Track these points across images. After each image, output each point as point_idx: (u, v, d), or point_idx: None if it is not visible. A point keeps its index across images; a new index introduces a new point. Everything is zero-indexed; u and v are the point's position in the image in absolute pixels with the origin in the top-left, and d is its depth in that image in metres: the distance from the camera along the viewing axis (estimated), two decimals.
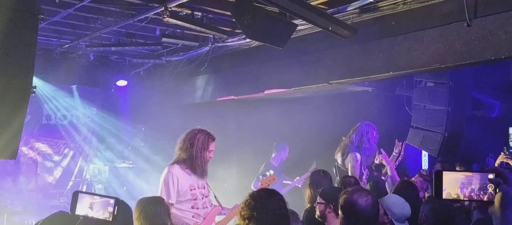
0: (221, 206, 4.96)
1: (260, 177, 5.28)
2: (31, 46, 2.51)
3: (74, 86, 9.43)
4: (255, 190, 3.41)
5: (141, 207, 3.72)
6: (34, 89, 2.57)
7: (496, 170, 1.97)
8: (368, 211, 3.07)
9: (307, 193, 4.98)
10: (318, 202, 4.18)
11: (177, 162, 4.71)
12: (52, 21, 6.23)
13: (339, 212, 3.19)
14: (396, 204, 4.06)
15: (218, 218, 4.92)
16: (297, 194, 8.69)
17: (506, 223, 1.90)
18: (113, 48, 7.70)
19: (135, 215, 3.65)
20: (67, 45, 7.49)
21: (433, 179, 2.02)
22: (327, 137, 8.92)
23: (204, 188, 4.79)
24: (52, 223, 3.07)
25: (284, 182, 8.22)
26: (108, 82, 9.47)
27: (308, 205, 4.87)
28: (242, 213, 3.15)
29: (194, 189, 4.64)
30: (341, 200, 3.18)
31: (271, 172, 5.30)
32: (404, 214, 4.05)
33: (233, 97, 8.75)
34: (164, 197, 4.47)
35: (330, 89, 7.69)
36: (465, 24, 5.26)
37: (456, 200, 2.04)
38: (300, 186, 8.23)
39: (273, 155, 8.61)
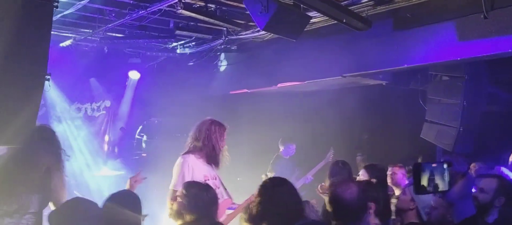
0: (231, 199, 4.97)
1: (263, 176, 5.31)
2: (45, 32, 2.52)
3: (87, 79, 9.48)
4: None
5: (192, 190, 3.62)
6: (49, 77, 2.59)
7: (448, 160, 2.10)
8: (353, 204, 3.01)
9: (327, 183, 4.99)
10: (326, 193, 4.19)
11: (191, 151, 4.72)
12: (67, 13, 6.26)
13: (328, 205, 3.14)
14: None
15: (227, 211, 4.93)
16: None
17: (463, 210, 2.03)
18: (127, 41, 7.72)
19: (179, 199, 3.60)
20: (81, 38, 7.52)
21: (413, 173, 2.09)
22: (340, 131, 8.89)
23: (216, 179, 4.79)
24: (68, 209, 3.07)
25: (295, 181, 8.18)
26: (122, 75, 9.51)
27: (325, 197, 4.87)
28: (256, 203, 3.16)
29: (208, 179, 4.64)
30: (329, 193, 3.15)
31: (272, 173, 5.33)
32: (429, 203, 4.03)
33: (246, 90, 8.74)
34: (178, 186, 4.49)
35: (344, 82, 7.65)
36: (481, 16, 5.19)
37: (430, 193, 2.16)
38: (306, 182, 8.18)
39: (281, 149, 8.60)
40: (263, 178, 5.08)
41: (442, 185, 2.15)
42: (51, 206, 3.87)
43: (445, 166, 2.17)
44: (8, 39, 2.49)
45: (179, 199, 3.57)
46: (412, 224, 4.05)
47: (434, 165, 2.16)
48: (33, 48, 2.51)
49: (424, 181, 2.11)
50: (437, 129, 7.17)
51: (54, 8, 2.58)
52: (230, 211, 4.87)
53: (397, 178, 6.48)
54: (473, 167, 6.46)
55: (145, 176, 4.70)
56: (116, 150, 9.92)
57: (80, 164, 9.21)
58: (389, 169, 6.49)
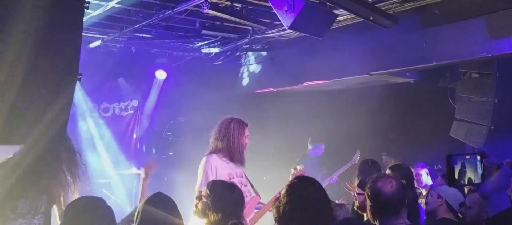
0: (259, 196, 4.97)
1: (292, 170, 5.27)
2: (76, 33, 2.57)
3: (115, 79, 9.62)
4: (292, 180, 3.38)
5: (216, 190, 3.60)
6: (80, 76, 2.63)
7: (481, 151, 2.07)
8: (394, 198, 2.99)
9: (355, 183, 4.92)
10: (357, 193, 4.12)
11: (214, 151, 4.74)
12: (95, 14, 6.36)
13: (367, 200, 3.12)
14: (449, 188, 3.97)
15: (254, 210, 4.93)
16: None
17: (497, 204, 2.00)
18: (154, 41, 7.80)
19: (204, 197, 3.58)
20: (109, 38, 7.63)
21: (446, 165, 2.06)
22: (367, 130, 8.80)
23: (242, 176, 4.80)
24: (78, 207, 3.07)
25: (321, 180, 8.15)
26: (149, 75, 9.62)
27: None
28: (283, 203, 3.13)
29: (233, 177, 4.65)
30: (367, 189, 3.11)
31: (301, 166, 5.27)
32: (457, 195, 3.97)
33: (272, 89, 8.73)
34: (203, 186, 4.51)
35: (371, 80, 7.57)
36: None
37: (463, 185, 2.13)
38: (331, 183, 8.16)
39: (309, 148, 8.58)
40: (292, 172, 5.07)
41: (475, 178, 2.10)
42: (55, 209, 3.89)
43: (478, 157, 2.12)
44: (38, 39, 2.54)
45: (203, 199, 3.56)
46: (444, 219, 3.99)
47: (467, 156, 2.11)
48: (65, 48, 2.56)
49: (457, 173, 2.07)
50: (467, 127, 7.04)
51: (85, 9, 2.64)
52: (257, 210, 4.88)
53: (421, 178, 6.41)
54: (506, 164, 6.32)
55: (156, 163, 4.71)
56: (144, 148, 10.03)
57: (106, 163, 9.34)
58: (412, 170, 6.43)
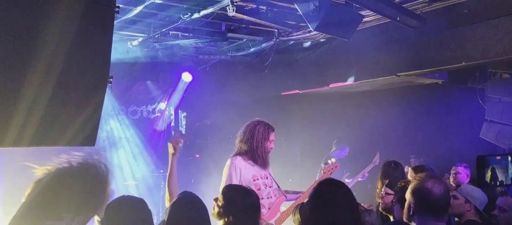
0: (285, 196, 4.96)
1: (322, 165, 5.20)
2: (107, 37, 2.61)
3: (143, 82, 9.76)
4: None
5: (229, 194, 3.53)
6: (111, 79, 2.68)
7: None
8: (441, 201, 2.97)
9: (379, 185, 4.87)
10: (386, 193, 4.08)
11: (239, 153, 4.76)
12: (123, 18, 6.46)
13: (409, 197, 3.08)
14: (475, 189, 3.92)
15: (282, 208, 4.94)
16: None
17: None
18: (180, 44, 7.88)
19: (220, 203, 3.51)
20: (137, 42, 7.73)
21: (476, 167, 2.05)
22: (394, 131, 8.71)
23: (267, 178, 4.80)
24: (116, 208, 3.06)
25: (346, 180, 8.09)
26: (175, 78, 9.73)
27: (378, 200, 4.75)
28: (310, 206, 3.11)
29: (257, 179, 4.66)
30: (413, 186, 3.07)
31: (333, 159, 5.23)
32: (485, 198, 3.91)
33: (298, 91, 8.72)
34: None
35: (398, 82, 7.48)
36: None
37: (493, 187, 2.11)
38: (361, 179, 8.11)
39: (334, 149, 8.52)
40: (323, 167, 5.04)
41: (505, 179, 2.07)
42: (96, 218, 3.83)
43: (509, 159, 2.10)
44: (71, 42, 2.59)
45: (218, 202, 3.56)
46: (470, 221, 3.92)
47: (498, 157, 2.09)
48: (96, 51, 2.61)
49: (488, 175, 2.05)
50: (497, 128, 6.92)
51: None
52: (284, 209, 4.89)
53: (460, 177, 6.30)
54: None
55: (182, 137, 4.62)
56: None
57: (134, 165, 9.46)
58: (453, 168, 6.34)
